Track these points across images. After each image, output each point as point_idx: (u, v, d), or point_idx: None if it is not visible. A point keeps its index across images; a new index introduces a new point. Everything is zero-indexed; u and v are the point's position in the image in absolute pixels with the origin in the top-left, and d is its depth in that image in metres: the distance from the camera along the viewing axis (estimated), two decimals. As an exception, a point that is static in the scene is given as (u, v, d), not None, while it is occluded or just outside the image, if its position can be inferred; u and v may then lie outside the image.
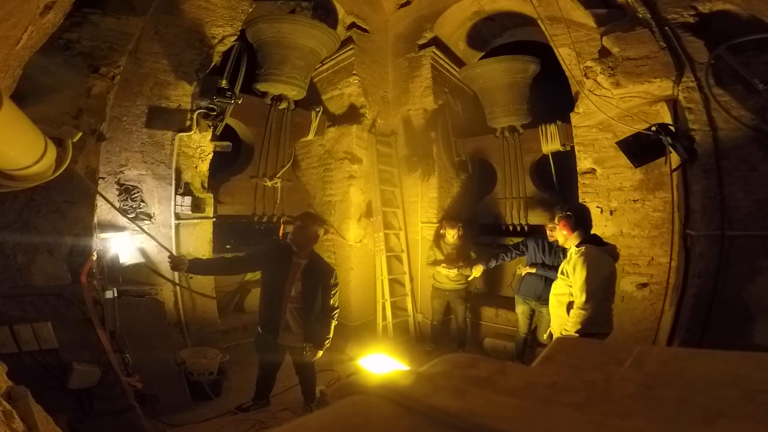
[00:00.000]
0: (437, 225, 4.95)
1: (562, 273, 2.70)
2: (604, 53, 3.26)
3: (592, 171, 3.75)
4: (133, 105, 3.38)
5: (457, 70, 5.53)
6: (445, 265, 4.40)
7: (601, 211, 3.66)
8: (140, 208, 3.42)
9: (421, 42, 5.31)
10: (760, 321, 2.76)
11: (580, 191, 3.82)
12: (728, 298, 2.85)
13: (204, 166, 3.95)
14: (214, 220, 4.04)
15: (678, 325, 3.05)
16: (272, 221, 4.93)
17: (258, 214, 4.82)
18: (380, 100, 5.51)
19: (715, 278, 2.87)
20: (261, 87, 4.69)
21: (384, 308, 4.94)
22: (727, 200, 2.87)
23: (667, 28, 3.02)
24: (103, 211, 3.14)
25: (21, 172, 1.69)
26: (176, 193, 3.66)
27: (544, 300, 3.48)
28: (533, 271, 3.91)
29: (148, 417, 2.81)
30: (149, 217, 3.47)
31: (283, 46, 4.50)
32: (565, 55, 3.79)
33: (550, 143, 4.62)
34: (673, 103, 3.20)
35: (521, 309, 4.05)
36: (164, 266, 3.50)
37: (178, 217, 3.69)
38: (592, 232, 2.76)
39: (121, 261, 3.15)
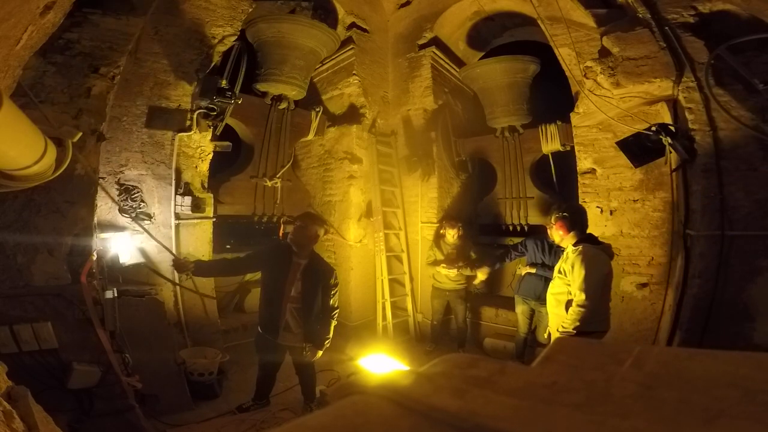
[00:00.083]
0: (437, 225, 4.95)
1: (560, 272, 2.72)
2: (604, 53, 3.26)
3: (592, 171, 3.75)
4: (133, 105, 3.38)
5: (457, 70, 5.53)
6: (444, 265, 4.41)
7: (601, 211, 3.66)
8: (140, 208, 3.42)
9: (421, 42, 5.31)
10: (760, 321, 2.76)
11: (580, 191, 3.82)
12: (728, 298, 2.85)
13: (204, 166, 3.95)
14: (214, 220, 4.04)
15: (678, 325, 3.05)
16: (272, 221, 4.93)
17: (258, 214, 4.82)
18: (380, 100, 5.51)
19: (715, 278, 2.87)
20: (261, 87, 4.69)
21: (384, 308, 4.94)
22: (727, 200, 2.87)
23: (667, 28, 3.02)
24: (103, 211, 3.14)
25: (21, 172, 1.69)
26: (176, 193, 3.66)
27: (543, 300, 3.48)
28: (533, 271, 3.91)
29: (148, 417, 2.81)
30: (149, 217, 3.47)
31: (283, 46, 4.50)
32: (565, 55, 3.79)
33: (550, 143, 4.62)
34: (673, 103, 3.20)
35: (521, 309, 4.05)
36: (164, 266, 3.50)
37: (178, 217, 3.69)
38: (590, 232, 2.81)
39: (121, 261, 3.15)
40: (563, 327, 2.50)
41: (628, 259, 3.50)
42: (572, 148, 4.03)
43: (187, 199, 3.70)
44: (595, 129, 3.73)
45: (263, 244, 4.83)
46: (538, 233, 4.18)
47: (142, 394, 2.82)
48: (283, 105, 4.83)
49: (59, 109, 2.58)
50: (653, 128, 2.96)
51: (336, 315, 3.05)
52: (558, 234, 2.76)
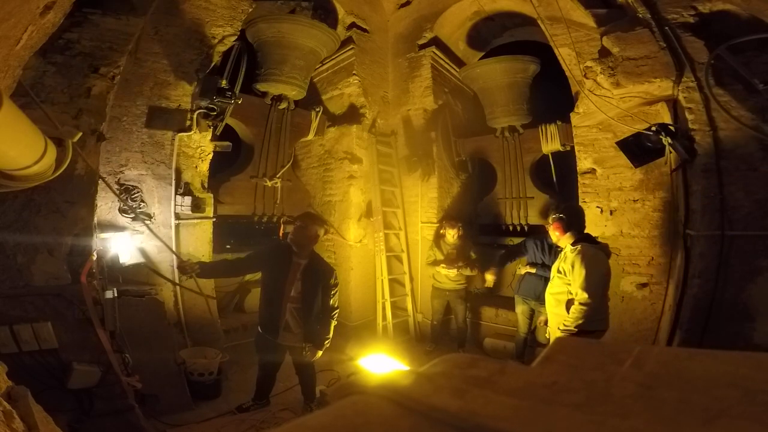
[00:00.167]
0: (437, 225, 4.95)
1: (559, 272, 2.73)
2: (604, 53, 3.26)
3: (592, 171, 3.75)
4: (133, 105, 3.38)
5: (457, 70, 5.53)
6: (444, 265, 4.41)
7: (601, 211, 3.66)
8: (140, 208, 3.42)
9: (421, 42, 5.31)
10: (760, 321, 2.76)
11: (580, 191, 3.82)
12: (728, 298, 2.85)
13: (204, 166, 3.95)
14: (214, 220, 4.04)
15: (678, 325, 3.05)
16: (272, 221, 4.93)
17: (258, 214, 4.82)
18: (380, 100, 5.51)
19: (715, 278, 2.87)
20: (261, 87, 4.69)
21: (384, 308, 4.94)
22: (727, 200, 2.87)
23: (667, 28, 3.03)
24: (103, 211, 3.15)
25: (21, 172, 1.69)
26: (176, 193, 3.66)
27: (543, 300, 3.49)
28: (533, 270, 3.91)
29: (148, 417, 2.81)
30: (149, 217, 3.47)
31: (283, 46, 4.50)
32: (565, 55, 3.79)
33: (550, 143, 4.62)
34: (673, 103, 3.20)
35: (521, 309, 4.05)
36: (164, 266, 3.50)
37: (178, 217, 3.69)
38: (588, 231, 2.87)
39: (121, 261, 3.15)
40: (565, 326, 2.52)
41: (628, 259, 3.50)
42: (572, 148, 4.03)
43: (187, 199, 3.70)
44: (595, 129, 3.73)
45: (263, 244, 4.83)
46: (538, 233, 4.18)
47: (142, 394, 2.82)
48: (283, 105, 4.83)
49: (59, 109, 2.58)
50: (653, 128, 2.97)
51: (336, 315, 3.05)
52: (554, 234, 2.82)
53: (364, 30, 5.35)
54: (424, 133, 5.30)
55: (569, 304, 2.62)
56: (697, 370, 0.44)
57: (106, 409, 2.51)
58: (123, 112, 3.32)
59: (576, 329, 2.48)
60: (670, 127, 2.97)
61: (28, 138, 1.65)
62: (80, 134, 2.11)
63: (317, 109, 5.21)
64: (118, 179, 3.34)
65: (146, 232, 3.32)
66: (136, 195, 3.41)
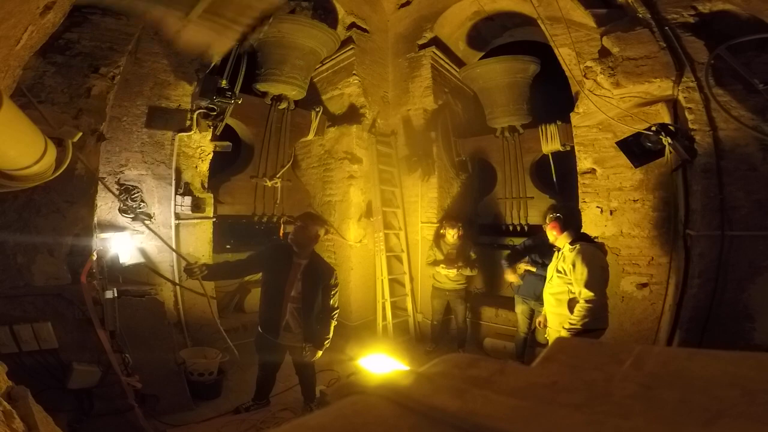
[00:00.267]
0: (437, 225, 4.95)
1: (559, 272, 2.73)
2: (604, 53, 3.26)
3: (592, 171, 3.75)
4: (133, 105, 3.38)
5: (457, 70, 5.53)
6: (444, 265, 4.41)
7: (601, 211, 3.66)
8: (140, 208, 3.42)
9: (421, 42, 5.31)
10: (760, 321, 2.76)
11: (580, 191, 3.82)
12: (728, 298, 2.85)
13: (204, 166, 3.95)
14: (214, 220, 4.04)
15: (678, 325, 3.05)
16: (272, 221, 4.93)
17: (258, 214, 4.82)
18: (380, 100, 5.51)
19: (715, 278, 2.87)
20: (261, 87, 4.69)
21: (384, 308, 4.94)
22: (727, 200, 2.87)
23: (667, 28, 3.03)
24: (103, 211, 3.15)
25: (21, 172, 1.69)
26: (176, 193, 3.66)
27: (543, 300, 3.49)
28: (533, 269, 3.90)
29: (148, 417, 2.80)
30: (149, 217, 3.47)
31: (283, 46, 4.50)
32: (565, 55, 3.79)
33: (550, 143, 4.62)
34: (673, 103, 3.20)
35: (521, 309, 4.05)
36: (164, 266, 3.50)
37: (178, 217, 3.69)
38: (583, 231, 2.95)
39: (121, 261, 3.15)
40: (571, 324, 2.52)
41: (628, 259, 3.50)
42: (572, 148, 4.03)
43: (187, 199, 3.70)
44: (595, 129, 3.73)
45: (263, 244, 4.83)
46: (537, 233, 4.18)
47: (142, 394, 2.82)
48: (283, 105, 4.83)
49: (59, 109, 2.58)
50: (653, 128, 2.96)
51: (336, 315, 3.05)
52: (552, 234, 2.86)
53: (364, 30, 5.35)
54: (424, 133, 5.30)
55: (572, 303, 2.63)
56: (697, 370, 0.43)
57: (106, 409, 2.51)
58: (123, 112, 3.32)
59: (582, 327, 2.50)
60: (670, 127, 2.97)
61: (28, 138, 1.65)
62: (80, 134, 2.11)
63: (317, 109, 5.21)
64: (118, 179, 3.34)
65: (146, 232, 3.32)
66: (136, 195, 3.41)
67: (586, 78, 3.40)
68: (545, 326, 3.02)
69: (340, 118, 5.39)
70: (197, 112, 3.66)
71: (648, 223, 3.44)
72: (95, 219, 2.78)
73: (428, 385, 0.43)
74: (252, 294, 4.75)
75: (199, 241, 3.90)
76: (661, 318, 3.29)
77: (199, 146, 3.87)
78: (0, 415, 1.33)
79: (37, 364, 2.30)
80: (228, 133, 4.38)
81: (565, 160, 4.65)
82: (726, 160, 2.89)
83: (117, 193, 3.31)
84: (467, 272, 4.43)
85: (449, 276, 4.44)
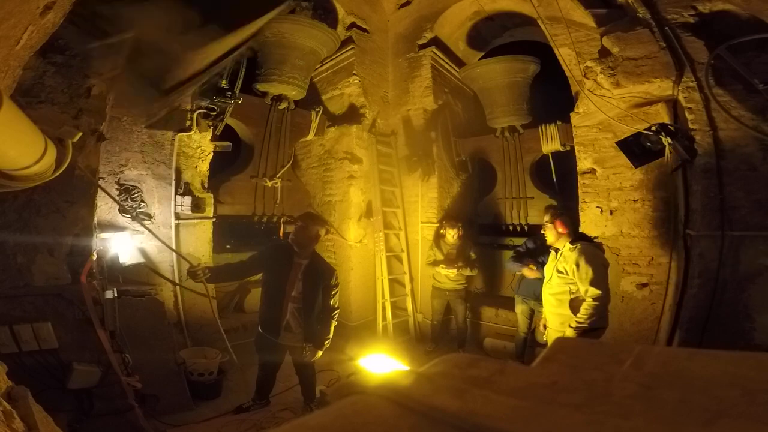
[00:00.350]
0: (437, 225, 4.95)
1: (559, 272, 2.72)
2: (604, 53, 3.26)
3: (592, 171, 3.75)
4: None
5: (457, 70, 5.53)
6: (444, 265, 4.41)
7: (601, 211, 3.66)
8: (140, 208, 3.42)
9: (421, 42, 5.31)
10: (760, 321, 2.76)
11: (580, 191, 3.82)
12: (728, 298, 2.85)
13: (204, 166, 3.95)
14: (214, 220, 4.04)
15: (678, 325, 3.05)
16: (272, 221, 4.93)
17: (258, 214, 4.82)
18: (380, 100, 5.51)
19: (715, 278, 2.87)
20: (261, 87, 4.69)
21: (384, 308, 4.94)
22: (727, 200, 2.87)
23: (667, 28, 3.03)
24: (103, 211, 3.15)
25: (21, 172, 1.69)
26: (176, 193, 3.66)
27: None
28: (533, 268, 3.90)
29: (148, 417, 2.80)
30: (149, 217, 3.47)
31: (283, 46, 4.50)
32: (565, 55, 3.79)
33: (550, 143, 4.63)
34: (673, 103, 3.20)
35: (521, 309, 4.05)
36: (164, 266, 3.50)
37: (178, 217, 3.69)
38: (582, 231, 2.97)
39: (121, 261, 3.15)
40: (578, 323, 2.52)
41: (628, 259, 3.50)
42: (572, 148, 4.03)
43: (187, 199, 3.70)
44: (595, 129, 3.73)
45: (264, 245, 4.83)
46: (537, 234, 4.17)
47: (142, 394, 2.82)
48: (283, 105, 4.83)
49: (59, 109, 2.57)
50: (653, 128, 2.97)
51: (336, 315, 3.05)
52: (556, 232, 2.81)
53: (364, 30, 5.35)
54: (424, 133, 5.30)
55: (574, 303, 2.63)
56: (697, 370, 0.43)
57: (106, 409, 2.51)
58: (123, 112, 3.32)
59: (589, 325, 2.51)
60: (670, 127, 2.97)
61: (28, 138, 1.64)
62: (80, 134, 2.11)
63: (317, 109, 5.21)
64: (118, 179, 3.34)
65: (146, 232, 3.32)
66: (136, 195, 3.41)
67: (586, 78, 3.40)
68: (546, 328, 3.01)
69: (340, 118, 5.39)
70: (197, 112, 3.66)
71: (648, 223, 3.44)
72: (95, 219, 2.77)
73: (428, 385, 0.43)
74: (252, 294, 4.76)
75: (199, 241, 3.90)
76: (661, 318, 3.29)
77: (199, 146, 3.87)
78: (0, 415, 1.33)
79: (37, 364, 2.30)
80: (228, 133, 4.38)
81: (565, 160, 4.65)
82: (726, 160, 2.89)
83: (117, 193, 3.31)
84: (467, 272, 4.43)
85: (449, 276, 4.44)
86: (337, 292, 3.06)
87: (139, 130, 3.43)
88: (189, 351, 3.51)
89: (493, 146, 5.44)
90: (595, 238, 3.58)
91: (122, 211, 3.29)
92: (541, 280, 3.80)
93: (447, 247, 4.53)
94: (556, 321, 2.77)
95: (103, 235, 3.03)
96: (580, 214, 3.75)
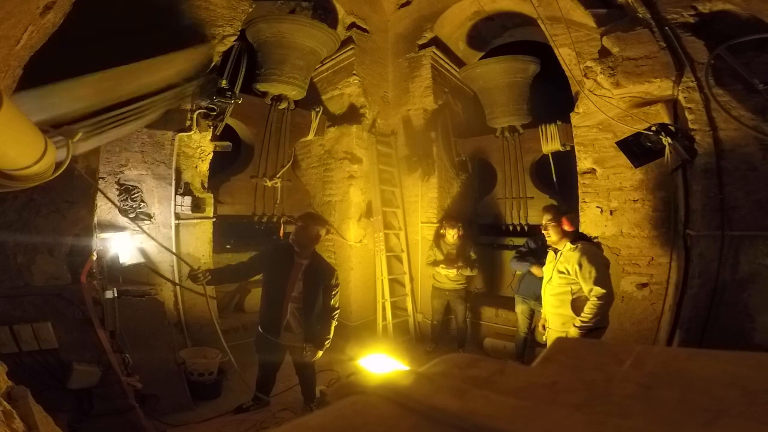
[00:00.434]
0: (437, 225, 4.95)
1: (561, 272, 2.70)
2: (604, 53, 3.26)
3: (592, 171, 3.75)
4: (133, 105, 3.37)
5: (457, 70, 5.53)
6: (444, 265, 4.41)
7: (601, 211, 3.66)
8: (140, 208, 3.42)
9: (421, 42, 5.31)
10: (760, 321, 2.76)
11: (580, 191, 3.82)
12: (728, 298, 2.85)
13: (204, 166, 3.95)
14: (214, 220, 4.04)
15: (678, 325, 3.05)
16: (272, 221, 4.93)
17: (258, 214, 4.82)
18: (380, 100, 5.51)
19: (715, 278, 2.87)
20: (261, 87, 4.69)
21: (384, 308, 4.94)
22: (727, 200, 2.87)
23: (667, 28, 3.03)
24: (103, 211, 3.14)
25: (21, 172, 1.69)
26: (176, 193, 3.66)
27: (544, 300, 3.47)
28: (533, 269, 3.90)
29: (148, 417, 2.80)
30: (149, 217, 3.47)
31: (283, 46, 4.50)
32: (565, 55, 3.79)
33: (550, 143, 4.63)
34: (673, 103, 3.20)
35: (521, 309, 4.05)
36: (164, 266, 3.50)
37: (178, 217, 3.69)
38: (581, 231, 2.98)
39: (121, 261, 3.15)
40: (583, 322, 2.51)
41: (628, 259, 3.50)
42: (572, 148, 4.03)
43: (187, 199, 3.70)
44: (595, 129, 3.73)
45: (264, 245, 4.83)
46: (537, 233, 4.17)
47: (142, 394, 2.82)
48: (283, 105, 4.83)
49: (59, 109, 2.57)
50: (653, 128, 2.97)
51: (336, 315, 3.05)
52: (561, 231, 2.75)
53: (364, 30, 5.35)
54: (424, 133, 5.30)
55: (576, 303, 2.61)
56: (697, 370, 0.43)
57: (106, 409, 2.51)
58: (123, 112, 3.32)
59: (594, 324, 2.51)
60: (670, 127, 2.97)
61: (28, 138, 1.64)
62: (80, 134, 2.11)
63: (317, 109, 5.21)
64: (118, 179, 3.34)
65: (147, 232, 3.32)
66: (136, 195, 3.41)
67: (586, 78, 3.40)
68: (546, 328, 2.97)
69: (340, 118, 5.40)
70: (197, 112, 3.66)
71: (648, 223, 3.44)
72: (95, 219, 2.77)
73: (428, 385, 0.43)
74: (252, 294, 4.76)
75: (199, 241, 3.90)
76: (661, 318, 3.29)
77: (199, 146, 3.87)
78: (0, 415, 1.33)
79: (37, 364, 2.30)
80: (228, 133, 4.38)
81: (565, 160, 4.65)
82: (726, 160, 2.89)
83: (117, 193, 3.30)
84: (467, 272, 4.43)
85: (449, 276, 4.44)
86: (337, 292, 3.05)
87: (139, 130, 3.42)
88: (189, 351, 3.51)
89: (493, 146, 5.44)
90: (595, 238, 3.58)
91: (122, 210, 3.29)
92: (541, 279, 3.82)
93: (447, 247, 4.53)
94: (558, 322, 2.75)
95: (103, 235, 3.03)
96: (580, 214, 3.75)
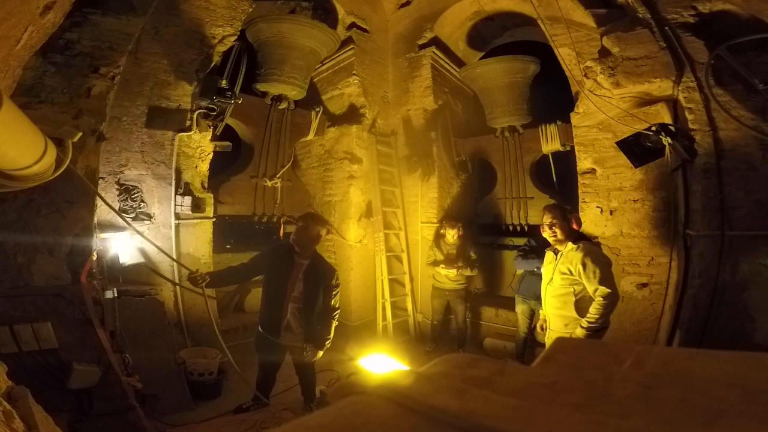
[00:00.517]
0: (437, 225, 4.95)
1: (563, 272, 2.66)
2: (604, 53, 3.26)
3: (592, 171, 3.75)
4: (133, 105, 3.37)
5: (457, 70, 5.53)
6: (444, 265, 4.41)
7: (601, 211, 3.66)
8: (140, 208, 3.42)
9: (421, 42, 5.31)
10: (760, 320, 2.76)
11: (580, 191, 3.82)
12: (728, 298, 2.85)
13: (204, 166, 3.95)
14: (214, 220, 4.04)
15: (678, 325, 3.05)
16: (272, 221, 4.93)
17: (258, 214, 4.82)
18: (380, 100, 5.51)
19: (715, 278, 2.87)
20: (261, 87, 4.70)
21: (384, 308, 4.94)
22: (727, 200, 2.87)
23: (667, 28, 3.03)
24: (103, 211, 3.14)
25: (21, 172, 1.69)
26: (176, 193, 3.66)
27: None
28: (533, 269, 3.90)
29: (148, 417, 2.80)
30: (149, 217, 3.47)
31: (283, 46, 4.50)
32: (565, 55, 3.79)
33: (550, 143, 4.63)
34: (673, 103, 3.20)
35: (521, 308, 4.05)
36: (164, 266, 3.50)
37: (178, 217, 3.69)
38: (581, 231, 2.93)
39: (121, 261, 3.15)
40: (589, 323, 2.48)
41: (628, 259, 3.50)
42: (572, 148, 4.03)
43: (187, 199, 3.70)
44: (595, 129, 3.73)
45: (264, 245, 4.83)
46: (538, 233, 4.17)
47: (142, 394, 2.82)
48: (283, 105, 4.83)
49: (59, 109, 2.58)
50: (653, 128, 2.96)
51: (337, 315, 3.05)
52: (568, 230, 2.69)
53: (364, 30, 5.35)
54: (424, 133, 5.30)
55: (580, 303, 2.59)
56: (697, 370, 0.43)
57: (106, 409, 2.51)
58: (123, 112, 3.32)
59: (600, 325, 2.48)
60: (670, 127, 2.97)
61: (28, 138, 1.64)
62: (80, 134, 2.11)
63: (317, 109, 5.21)
64: (118, 179, 3.34)
65: (147, 232, 3.32)
66: (136, 195, 3.41)
67: (586, 78, 3.40)
68: (544, 329, 2.94)
69: (340, 118, 5.40)
70: (197, 112, 3.66)
71: (648, 223, 3.44)
72: (95, 219, 2.77)
73: (428, 385, 0.43)
74: (252, 294, 4.76)
75: (199, 241, 3.90)
76: (661, 318, 3.29)
77: (199, 146, 3.87)
78: (0, 415, 1.33)
79: (37, 364, 2.30)
80: (228, 133, 4.38)
81: (565, 160, 4.65)
82: (726, 160, 2.89)
83: (117, 193, 3.31)
84: (467, 272, 4.43)
85: (449, 276, 4.44)
86: (337, 292, 3.05)
87: (139, 130, 3.43)
88: (189, 351, 3.51)
89: (493, 146, 5.44)
90: (595, 238, 3.59)
91: (122, 210, 3.29)
92: (540, 278, 3.81)
93: (447, 247, 4.53)
94: (560, 323, 2.70)
95: (103, 235, 3.03)
96: (580, 214, 3.75)
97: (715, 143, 2.92)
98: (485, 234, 5.62)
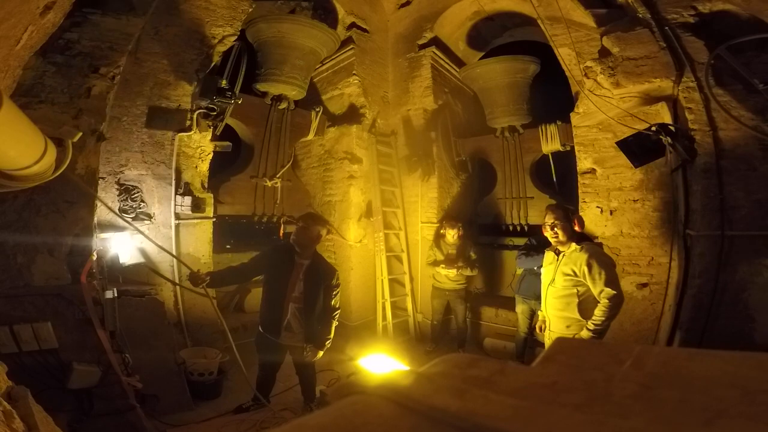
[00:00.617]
0: (437, 225, 4.95)
1: (567, 273, 2.64)
2: (604, 53, 3.26)
3: (592, 171, 3.75)
4: (133, 105, 3.38)
5: (457, 70, 5.53)
6: (444, 265, 4.41)
7: (601, 211, 3.66)
8: (140, 208, 3.42)
9: (421, 42, 5.31)
10: (760, 321, 2.76)
11: (580, 191, 3.82)
12: (728, 298, 2.85)
13: (204, 166, 3.95)
14: (214, 220, 4.04)
15: (678, 325, 3.05)
16: (272, 221, 4.93)
17: (258, 214, 4.82)
18: (380, 100, 5.51)
19: (715, 278, 2.87)
20: (261, 87, 4.69)
21: (384, 308, 4.94)
22: (727, 200, 2.87)
23: (667, 28, 3.03)
24: (103, 211, 3.14)
25: (21, 172, 1.69)
26: (176, 193, 3.66)
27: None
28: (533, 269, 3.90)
29: (148, 417, 2.80)
30: (149, 217, 3.47)
31: (283, 46, 4.50)
32: (565, 55, 3.79)
33: (550, 143, 4.63)
34: (673, 103, 3.20)
35: (521, 308, 4.05)
36: (164, 266, 3.50)
37: (178, 217, 3.69)
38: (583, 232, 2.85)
39: (121, 261, 3.15)
40: (595, 325, 2.46)
41: (628, 259, 3.50)
42: (572, 148, 4.03)
43: (187, 199, 3.70)
44: (595, 129, 3.73)
45: (264, 245, 4.83)
46: (538, 233, 4.17)
47: (142, 394, 2.82)
48: (283, 105, 4.83)
49: (59, 109, 2.58)
50: (653, 128, 2.96)
51: (337, 315, 3.05)
52: (571, 231, 2.67)
53: (364, 30, 5.35)
54: (424, 133, 5.30)
55: (583, 305, 2.56)
56: (697, 370, 0.43)
57: (106, 409, 2.51)
58: (123, 112, 3.32)
59: (605, 326, 2.47)
60: (670, 127, 2.97)
61: (28, 138, 1.64)
62: (80, 134, 2.11)
63: (317, 109, 5.21)
64: (118, 179, 3.34)
65: (147, 232, 3.32)
66: (136, 195, 3.41)
67: (586, 78, 3.40)
68: (543, 330, 2.92)
69: (340, 118, 5.40)
70: (197, 112, 3.66)
71: (648, 223, 3.44)
72: (95, 219, 2.77)
73: (428, 385, 0.43)
74: (252, 294, 4.76)
75: (199, 241, 3.90)
76: (661, 318, 3.29)
77: (199, 146, 3.87)
78: (0, 415, 1.33)
79: (37, 364, 2.30)
80: (228, 133, 4.38)
81: (565, 160, 4.65)
82: (726, 160, 2.89)
83: (117, 193, 3.31)
84: (467, 272, 4.43)
85: (449, 276, 4.44)
86: (338, 292, 3.05)
87: (139, 130, 3.43)
88: (189, 351, 3.51)
89: (493, 146, 5.44)
90: (596, 238, 3.58)
91: (122, 210, 3.29)
92: (540, 278, 3.80)
93: (447, 247, 4.53)
94: (561, 325, 2.68)
95: (103, 235, 3.03)
96: (580, 214, 3.75)
97: (715, 143, 2.92)
98: (485, 234, 5.62)
